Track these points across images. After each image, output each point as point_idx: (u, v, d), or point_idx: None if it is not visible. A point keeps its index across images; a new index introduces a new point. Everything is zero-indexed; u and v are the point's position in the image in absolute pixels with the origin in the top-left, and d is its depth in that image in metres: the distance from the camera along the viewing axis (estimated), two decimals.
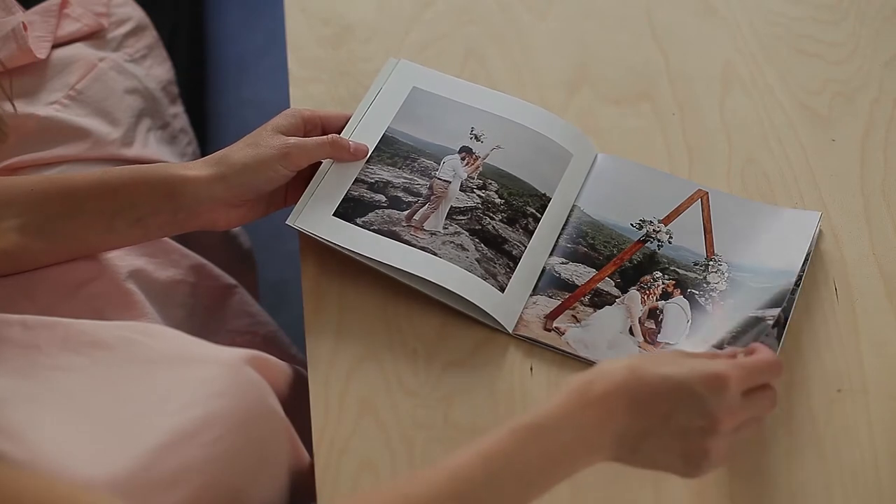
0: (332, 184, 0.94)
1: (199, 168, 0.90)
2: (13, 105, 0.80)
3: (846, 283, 0.92)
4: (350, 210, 0.93)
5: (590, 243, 0.94)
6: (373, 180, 0.95)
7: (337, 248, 0.92)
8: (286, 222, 0.93)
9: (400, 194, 0.94)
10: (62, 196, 0.88)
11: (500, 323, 0.89)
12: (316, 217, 0.92)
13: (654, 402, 0.72)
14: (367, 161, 0.96)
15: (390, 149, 0.97)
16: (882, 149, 1.00)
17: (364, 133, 0.97)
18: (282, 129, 0.92)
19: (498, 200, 0.94)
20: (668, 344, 0.88)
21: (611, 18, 1.11)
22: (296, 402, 0.88)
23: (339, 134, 0.96)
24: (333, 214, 0.92)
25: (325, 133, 0.95)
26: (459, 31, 1.10)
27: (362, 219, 0.92)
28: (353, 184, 0.94)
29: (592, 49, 1.09)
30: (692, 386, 0.72)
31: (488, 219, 0.93)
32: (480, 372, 0.88)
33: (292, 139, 0.91)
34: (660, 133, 1.02)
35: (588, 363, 0.88)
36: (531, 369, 0.88)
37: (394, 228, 0.92)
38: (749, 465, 0.83)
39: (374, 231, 0.92)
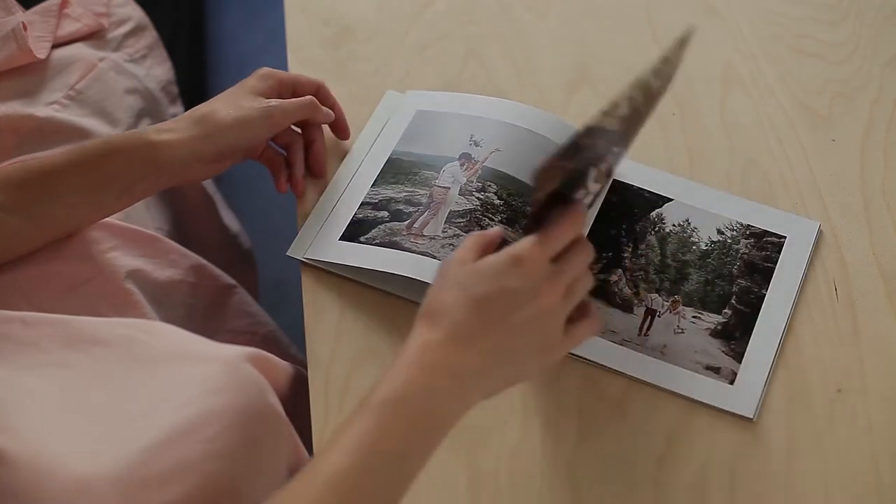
0: (338, 212, 0.96)
1: (181, 129, 0.91)
2: None
3: (846, 283, 0.92)
4: (355, 231, 0.94)
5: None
6: (376, 200, 0.96)
7: (334, 268, 0.93)
8: (288, 254, 0.94)
9: (401, 207, 0.94)
10: (44, 177, 0.88)
11: None
12: (323, 245, 0.94)
13: (484, 322, 0.70)
14: (373, 185, 0.97)
15: (393, 169, 0.98)
16: (882, 149, 1.00)
17: (371, 161, 0.99)
18: (259, 92, 0.94)
19: (497, 202, 0.94)
20: None
21: (611, 18, 1.11)
22: (296, 401, 0.88)
23: (345, 159, 0.99)
24: (340, 239, 0.94)
25: (296, 96, 0.97)
26: (459, 31, 1.10)
27: (365, 236, 0.93)
28: (358, 207, 0.95)
29: (592, 49, 1.09)
30: (499, 282, 0.71)
31: (487, 220, 0.93)
32: None
33: (274, 101, 0.94)
34: (660, 133, 1.02)
35: (581, 360, 0.88)
36: None
37: (394, 239, 0.92)
38: (749, 465, 0.83)
39: (375, 245, 0.92)
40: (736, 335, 0.89)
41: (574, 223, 0.74)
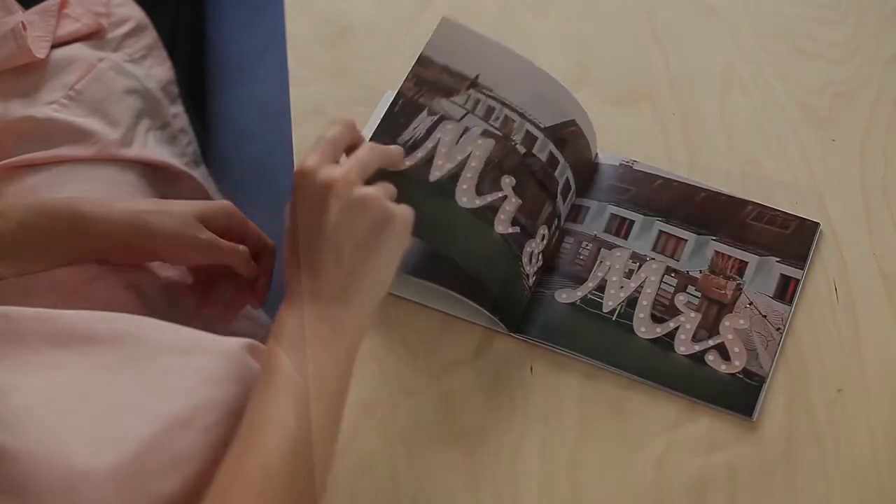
0: None
1: (116, 214, 0.90)
2: None
3: (846, 283, 0.92)
4: None
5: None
6: None
7: None
8: None
9: None
10: None
11: (499, 323, 0.89)
12: None
13: (309, 233, 0.76)
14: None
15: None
16: (882, 149, 1.00)
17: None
18: (209, 220, 0.94)
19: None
20: None
21: (611, 18, 1.11)
22: None
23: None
24: None
25: (243, 244, 0.96)
26: None
27: None
28: None
29: (592, 49, 1.09)
30: (297, 198, 0.76)
31: None
32: (480, 372, 0.88)
33: (211, 238, 0.93)
34: (660, 133, 1.02)
35: (588, 363, 0.88)
36: (531, 369, 0.88)
37: None
38: (749, 465, 0.83)
39: None
40: None
41: (342, 125, 0.80)
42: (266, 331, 1.05)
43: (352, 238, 0.76)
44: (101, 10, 1.13)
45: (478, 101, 0.94)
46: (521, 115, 0.95)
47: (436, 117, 0.92)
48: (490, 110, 0.94)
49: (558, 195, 0.94)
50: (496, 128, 0.93)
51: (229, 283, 0.99)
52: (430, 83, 0.95)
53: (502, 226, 0.89)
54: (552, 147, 0.94)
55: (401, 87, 0.93)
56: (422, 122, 0.92)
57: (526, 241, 0.90)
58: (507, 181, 0.91)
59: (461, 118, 0.93)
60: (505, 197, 0.90)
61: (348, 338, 0.75)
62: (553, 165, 0.94)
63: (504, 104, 0.94)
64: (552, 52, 1.08)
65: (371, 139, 0.91)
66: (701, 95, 1.05)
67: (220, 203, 0.96)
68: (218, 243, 0.93)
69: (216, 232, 0.94)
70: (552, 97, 0.97)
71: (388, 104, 1.02)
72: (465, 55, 0.97)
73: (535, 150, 0.93)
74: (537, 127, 0.94)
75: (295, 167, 0.77)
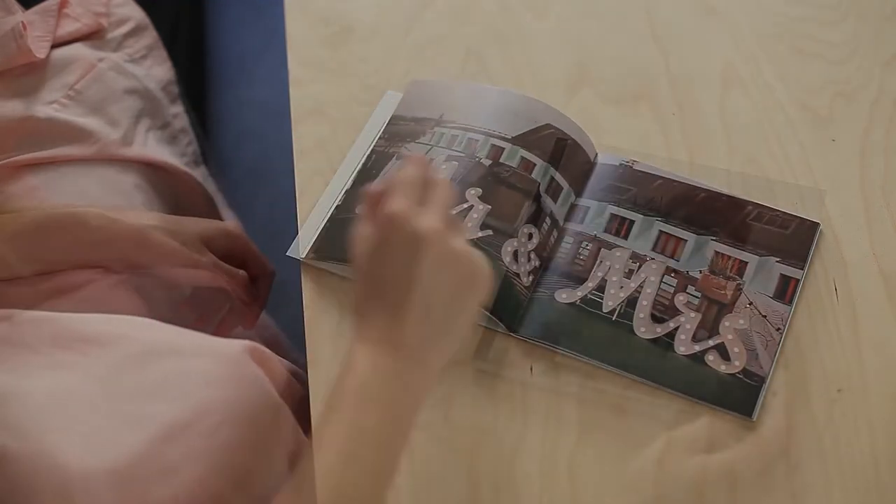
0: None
1: (119, 225, 0.92)
2: None
3: (846, 283, 0.92)
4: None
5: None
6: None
7: (334, 268, 0.93)
8: (288, 254, 0.94)
9: None
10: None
11: (499, 323, 0.89)
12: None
13: (389, 284, 0.70)
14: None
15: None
16: (882, 149, 1.00)
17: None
18: (209, 241, 0.95)
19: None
20: None
21: (611, 18, 1.11)
22: (293, 403, 0.88)
23: (345, 159, 0.99)
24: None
25: (243, 267, 0.96)
26: (459, 31, 1.10)
27: None
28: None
29: (592, 49, 1.09)
30: (380, 243, 0.71)
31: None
32: (480, 372, 0.88)
33: (209, 258, 0.94)
34: (660, 133, 1.02)
35: (588, 363, 0.88)
36: (531, 369, 0.88)
37: None
38: (749, 465, 0.83)
39: None
40: None
41: (414, 163, 0.75)
42: (266, 332, 1.06)
43: (441, 295, 0.71)
44: (101, 10, 1.13)
45: (441, 135, 0.98)
46: (485, 133, 0.97)
47: (402, 160, 0.96)
48: (453, 138, 0.97)
49: (543, 194, 0.94)
50: (459, 151, 0.96)
51: (224, 303, 0.99)
52: (400, 135, 0.99)
53: (470, 232, 0.91)
54: (524, 152, 0.95)
55: (373, 145, 0.99)
56: (390, 169, 0.97)
57: (504, 242, 0.91)
58: (473, 192, 0.93)
59: (426, 154, 0.96)
60: (471, 206, 0.92)
61: (418, 397, 0.72)
62: (529, 168, 0.95)
63: (466, 129, 0.97)
64: (552, 52, 1.08)
65: (346, 193, 0.95)
66: (701, 95, 1.05)
67: (225, 225, 0.97)
68: (217, 266, 0.94)
69: (218, 254, 0.94)
70: (518, 109, 0.99)
71: (388, 105, 1.03)
72: (431, 103, 1.01)
73: (502, 159, 0.95)
74: (503, 139, 0.96)
75: (384, 209, 0.72)
